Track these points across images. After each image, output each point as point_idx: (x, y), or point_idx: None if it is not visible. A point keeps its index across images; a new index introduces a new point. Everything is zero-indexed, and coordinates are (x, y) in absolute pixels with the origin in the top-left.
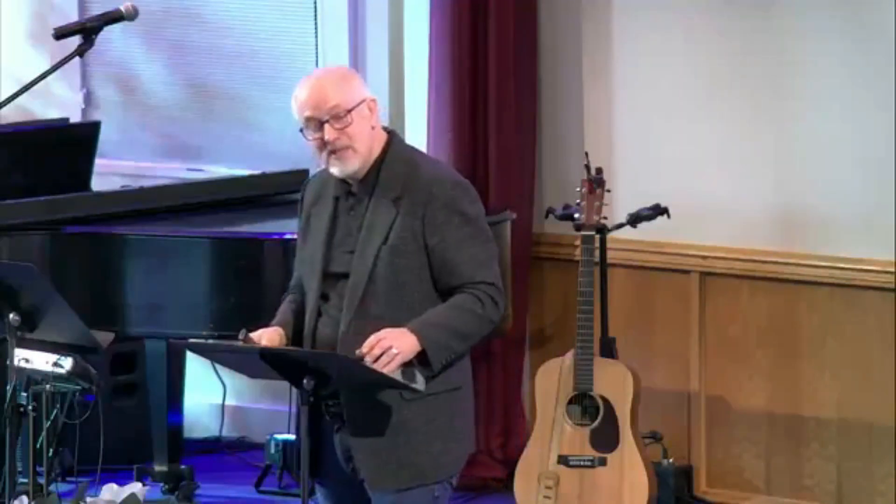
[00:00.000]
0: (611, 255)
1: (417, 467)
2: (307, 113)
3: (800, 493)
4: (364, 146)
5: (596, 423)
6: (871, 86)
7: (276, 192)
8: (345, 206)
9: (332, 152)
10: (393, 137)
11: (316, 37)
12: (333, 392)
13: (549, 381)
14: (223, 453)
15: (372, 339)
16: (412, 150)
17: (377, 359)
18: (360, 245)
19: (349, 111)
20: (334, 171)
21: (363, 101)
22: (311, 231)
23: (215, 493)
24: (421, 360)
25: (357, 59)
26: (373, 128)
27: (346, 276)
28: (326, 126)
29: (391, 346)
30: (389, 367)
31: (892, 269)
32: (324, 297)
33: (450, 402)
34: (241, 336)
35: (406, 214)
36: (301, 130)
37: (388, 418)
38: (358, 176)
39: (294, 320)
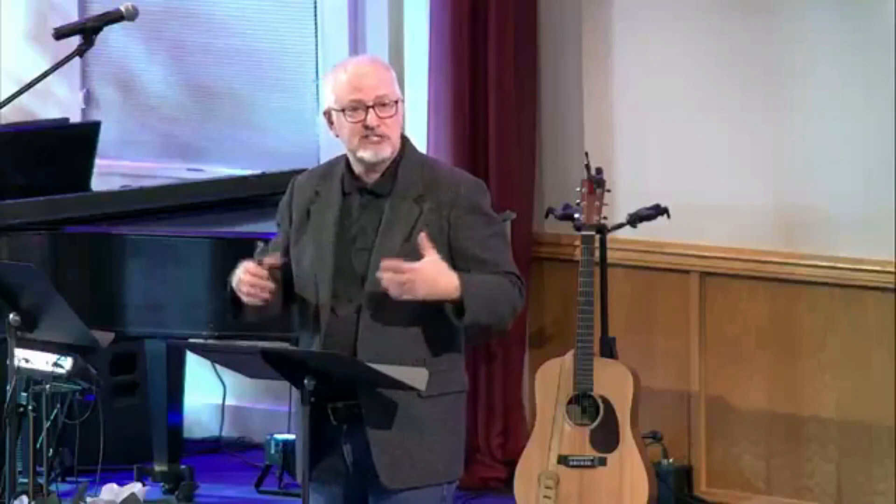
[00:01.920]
0: (611, 255)
1: (431, 465)
2: (354, 95)
3: (800, 493)
4: (397, 140)
5: (596, 423)
6: (871, 86)
7: (276, 192)
8: (357, 204)
9: (367, 137)
10: (406, 139)
11: (316, 37)
12: (348, 392)
13: (549, 381)
14: (223, 453)
15: (406, 265)
16: (423, 153)
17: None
18: (379, 242)
19: (396, 102)
20: (366, 155)
21: (400, 98)
22: (313, 228)
23: (215, 493)
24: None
25: None
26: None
27: (362, 274)
28: (371, 111)
29: (414, 282)
30: (396, 294)
31: (892, 269)
32: (335, 296)
33: (457, 404)
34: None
35: (431, 212)
36: (326, 112)
37: (405, 416)
38: (378, 170)
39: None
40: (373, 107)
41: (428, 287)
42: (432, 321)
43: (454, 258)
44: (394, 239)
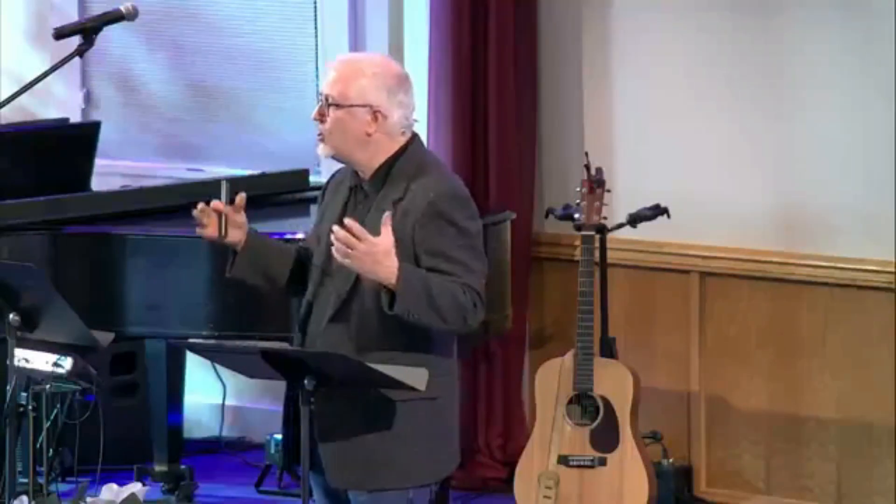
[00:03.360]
0: (611, 255)
1: (374, 470)
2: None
3: (800, 493)
4: (340, 142)
5: (596, 423)
6: (871, 86)
7: (276, 192)
8: (357, 200)
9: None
10: (412, 141)
11: (316, 37)
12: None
13: (549, 381)
14: (223, 453)
15: (367, 237)
16: (427, 156)
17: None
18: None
19: (339, 106)
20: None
21: (366, 105)
22: (327, 214)
23: (215, 493)
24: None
25: None
26: (368, 134)
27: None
28: (320, 103)
29: (362, 255)
30: (339, 257)
31: (892, 269)
32: (321, 284)
33: (421, 412)
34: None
35: (402, 217)
36: None
37: (353, 418)
38: (370, 169)
39: (291, 259)
40: (322, 100)
41: (371, 264)
42: (401, 323)
43: (418, 266)
44: None
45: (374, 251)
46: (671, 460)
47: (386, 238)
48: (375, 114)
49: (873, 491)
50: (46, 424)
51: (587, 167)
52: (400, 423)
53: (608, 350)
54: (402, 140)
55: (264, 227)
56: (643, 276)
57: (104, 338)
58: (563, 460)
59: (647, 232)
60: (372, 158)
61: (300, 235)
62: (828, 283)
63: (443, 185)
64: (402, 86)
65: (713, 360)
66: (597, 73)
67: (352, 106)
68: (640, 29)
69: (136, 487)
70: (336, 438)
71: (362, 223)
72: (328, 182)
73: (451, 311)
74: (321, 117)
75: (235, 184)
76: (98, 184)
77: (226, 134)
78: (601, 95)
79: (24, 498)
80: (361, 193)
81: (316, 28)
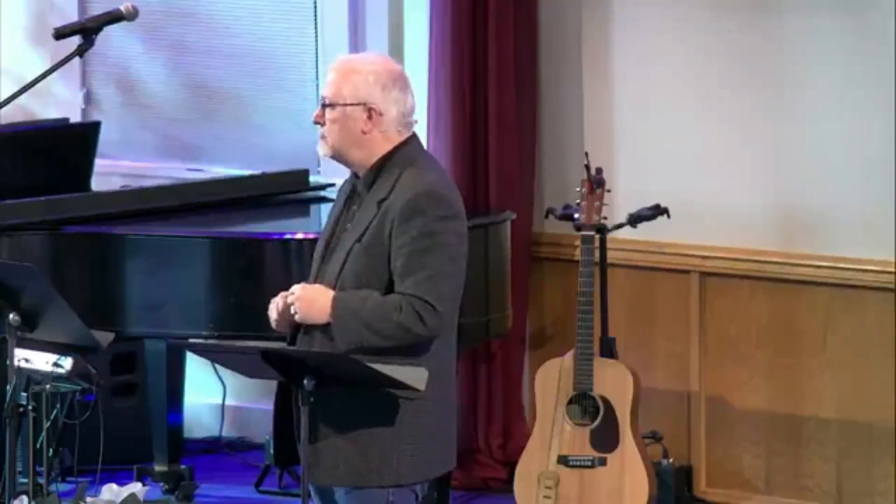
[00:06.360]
0: (611, 255)
1: (352, 468)
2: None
3: (799, 493)
4: (337, 142)
5: (596, 423)
6: (871, 86)
7: (276, 192)
8: (352, 199)
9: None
10: (407, 142)
11: (316, 37)
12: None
13: (549, 381)
14: (223, 453)
15: (294, 291)
16: (420, 155)
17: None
18: (343, 241)
19: (334, 106)
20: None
21: (361, 104)
22: (329, 219)
23: (215, 493)
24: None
25: None
26: (364, 133)
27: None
28: (319, 105)
29: (295, 313)
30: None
31: (892, 269)
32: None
33: (404, 412)
34: None
35: (382, 215)
36: None
37: (333, 417)
38: (362, 168)
39: None
40: (322, 102)
41: (306, 308)
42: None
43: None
44: (351, 239)
45: (303, 296)
46: (671, 460)
47: (300, 289)
48: (370, 111)
49: (873, 491)
50: (46, 424)
51: (587, 167)
52: (381, 422)
53: (608, 350)
54: (399, 139)
55: (264, 227)
56: (643, 276)
57: (104, 338)
58: (563, 460)
59: (647, 232)
60: (368, 157)
61: (299, 235)
62: (828, 283)
63: (423, 184)
64: (396, 83)
65: (713, 360)
66: (597, 72)
67: (346, 105)
68: (640, 29)
69: (136, 487)
70: (315, 436)
71: (353, 222)
72: (340, 188)
73: (391, 331)
74: (320, 119)
75: (235, 184)
76: (98, 184)
77: (226, 134)
78: (601, 95)
79: (24, 498)
80: (356, 193)
81: (316, 28)
